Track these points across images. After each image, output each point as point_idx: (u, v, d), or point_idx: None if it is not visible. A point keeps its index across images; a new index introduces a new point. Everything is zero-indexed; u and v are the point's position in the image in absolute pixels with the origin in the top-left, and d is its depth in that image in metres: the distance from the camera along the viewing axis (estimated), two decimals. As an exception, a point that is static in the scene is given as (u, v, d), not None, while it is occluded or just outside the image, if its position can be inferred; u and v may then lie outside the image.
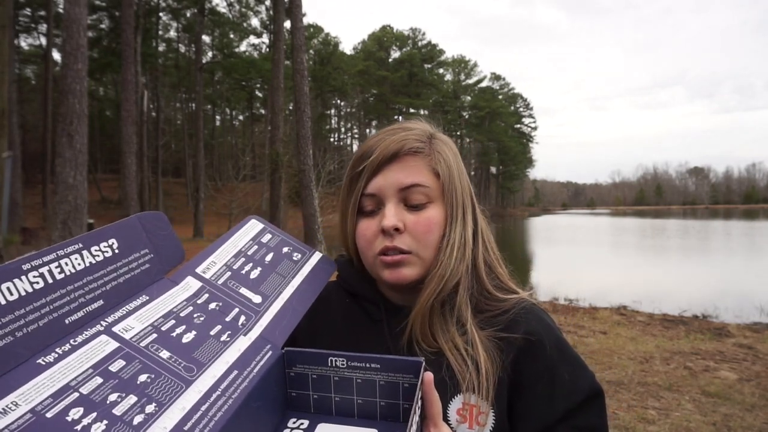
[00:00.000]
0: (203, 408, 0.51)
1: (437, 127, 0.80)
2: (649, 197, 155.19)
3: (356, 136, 71.65)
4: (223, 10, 33.47)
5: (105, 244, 0.59)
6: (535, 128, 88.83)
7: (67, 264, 0.54)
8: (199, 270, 0.68)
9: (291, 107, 29.11)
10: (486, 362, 0.67)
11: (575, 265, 16.61)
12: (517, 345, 0.69)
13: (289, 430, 0.60)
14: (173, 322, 0.59)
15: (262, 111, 49.50)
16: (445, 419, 0.65)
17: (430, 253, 0.71)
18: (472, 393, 0.66)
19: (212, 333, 0.60)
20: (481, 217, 0.79)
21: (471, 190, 0.77)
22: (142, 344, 0.55)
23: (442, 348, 0.69)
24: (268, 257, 0.75)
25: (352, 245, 0.77)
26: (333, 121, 69.26)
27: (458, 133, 76.69)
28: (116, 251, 0.60)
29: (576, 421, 0.67)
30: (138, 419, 0.47)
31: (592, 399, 0.69)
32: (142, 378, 0.51)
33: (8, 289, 0.48)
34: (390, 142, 0.72)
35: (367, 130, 69.75)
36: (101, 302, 0.56)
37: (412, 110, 65.26)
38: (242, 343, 0.61)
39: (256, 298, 0.68)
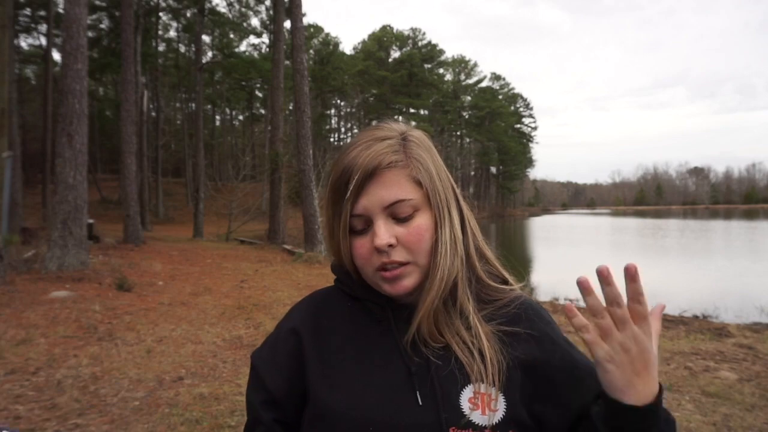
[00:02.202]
0: None
1: (407, 124, 0.79)
2: (649, 197, 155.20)
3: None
4: (223, 10, 33.39)
5: None
6: (535, 128, 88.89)
7: None
8: None
9: (291, 107, 29.12)
10: (491, 352, 0.70)
11: (575, 264, 16.60)
12: (522, 339, 0.73)
13: None
14: None
15: (262, 111, 49.49)
16: (458, 408, 0.68)
17: (425, 259, 0.72)
18: (482, 382, 0.69)
19: None
20: (464, 205, 0.79)
21: (451, 182, 0.78)
22: None
23: (450, 342, 0.72)
24: None
25: (350, 263, 0.77)
26: (333, 121, 69.22)
27: (458, 133, 76.69)
28: None
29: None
30: None
31: None
32: None
33: None
34: (365, 159, 0.70)
35: (367, 130, 69.55)
36: None
37: (412, 110, 65.26)
38: None
39: None
